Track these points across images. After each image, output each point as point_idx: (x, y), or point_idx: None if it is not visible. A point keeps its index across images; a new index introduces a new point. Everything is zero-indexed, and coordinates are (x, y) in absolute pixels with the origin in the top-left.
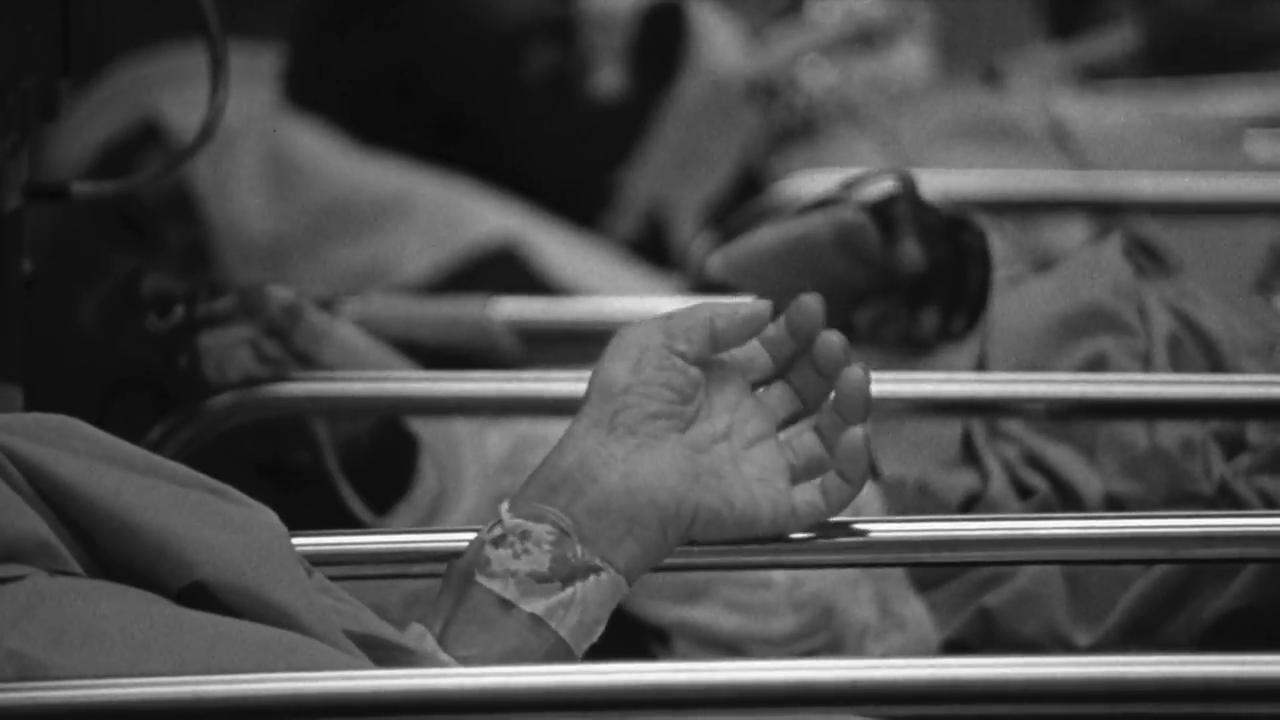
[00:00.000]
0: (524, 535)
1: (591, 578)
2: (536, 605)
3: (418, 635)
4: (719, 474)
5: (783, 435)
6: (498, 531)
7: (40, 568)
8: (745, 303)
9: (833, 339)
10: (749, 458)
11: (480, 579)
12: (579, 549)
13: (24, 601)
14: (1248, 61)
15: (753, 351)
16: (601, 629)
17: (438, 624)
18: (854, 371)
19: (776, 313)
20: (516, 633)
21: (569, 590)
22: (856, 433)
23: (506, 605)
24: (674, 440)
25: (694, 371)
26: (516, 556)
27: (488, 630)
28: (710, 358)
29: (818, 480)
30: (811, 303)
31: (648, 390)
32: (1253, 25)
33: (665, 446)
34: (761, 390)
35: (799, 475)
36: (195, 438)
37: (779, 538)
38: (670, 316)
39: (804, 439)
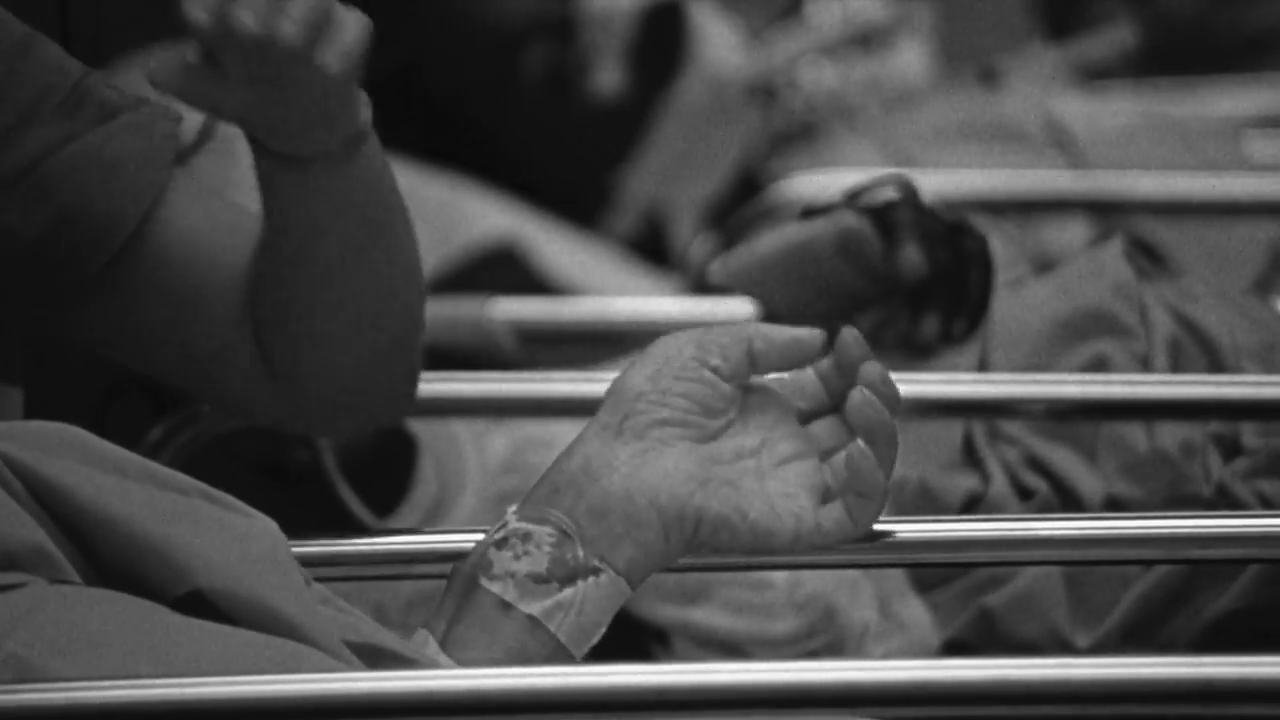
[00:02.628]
0: (525, 537)
1: (590, 579)
2: (534, 606)
3: (421, 640)
4: (735, 484)
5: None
6: (501, 534)
7: (39, 575)
8: (791, 329)
9: (871, 368)
10: (777, 474)
11: (483, 581)
12: (579, 550)
13: (23, 608)
14: (1245, 61)
15: (804, 381)
16: (601, 632)
17: (440, 627)
18: (858, 394)
19: (778, 318)
20: (515, 635)
21: (567, 591)
22: (857, 445)
23: (506, 607)
24: (684, 447)
25: (726, 388)
26: (517, 558)
27: (487, 633)
28: (748, 377)
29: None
30: (849, 336)
31: (662, 398)
32: (1249, 24)
33: (672, 451)
34: (814, 423)
35: (833, 496)
36: (194, 439)
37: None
38: (709, 332)
39: (838, 461)
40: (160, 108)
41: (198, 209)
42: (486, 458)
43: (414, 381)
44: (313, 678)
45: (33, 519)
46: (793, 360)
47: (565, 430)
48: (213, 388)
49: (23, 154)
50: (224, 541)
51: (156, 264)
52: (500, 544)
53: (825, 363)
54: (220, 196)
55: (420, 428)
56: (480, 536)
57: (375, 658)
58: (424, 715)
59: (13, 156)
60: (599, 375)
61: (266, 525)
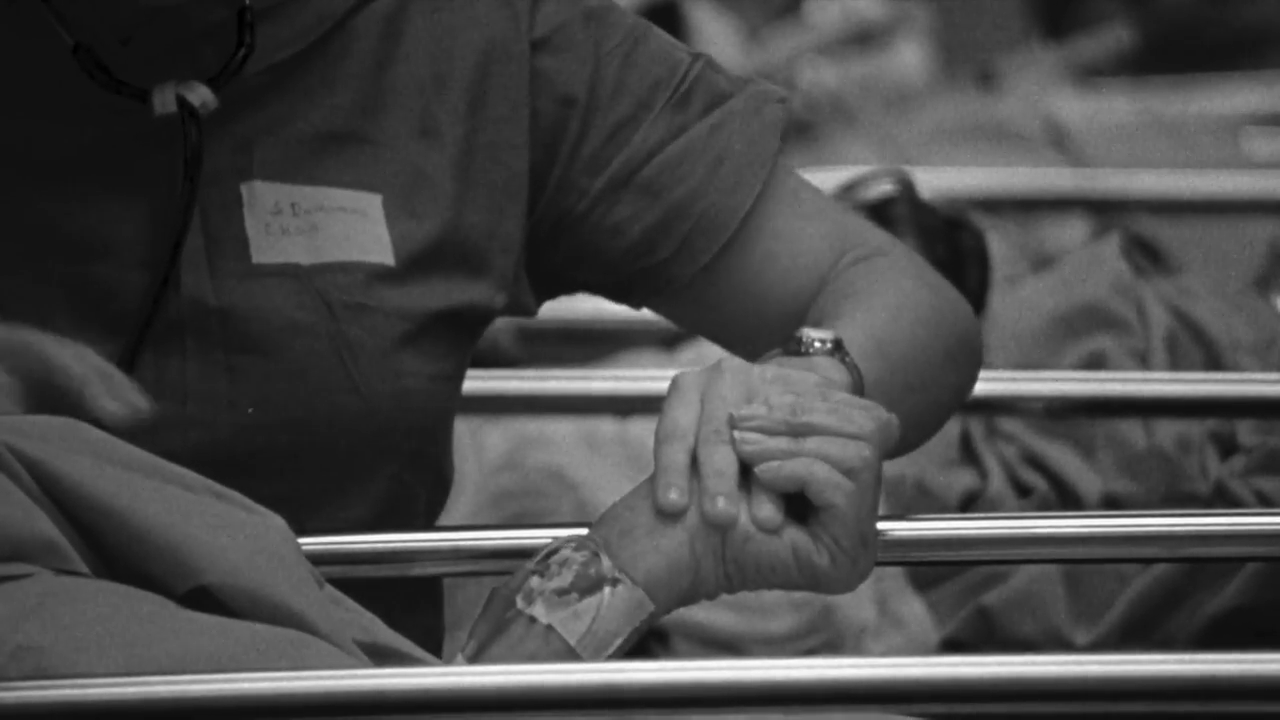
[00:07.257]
0: (564, 563)
1: (609, 589)
2: (553, 617)
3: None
4: None
5: None
6: (544, 562)
7: (47, 567)
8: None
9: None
10: None
11: (519, 603)
12: (604, 565)
13: (30, 599)
14: (1242, 59)
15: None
16: (619, 643)
17: (472, 647)
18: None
19: None
20: (531, 645)
21: (586, 602)
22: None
23: (530, 622)
24: None
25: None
26: (549, 580)
27: (509, 648)
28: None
29: None
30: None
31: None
32: (1246, 22)
33: None
34: None
35: None
36: None
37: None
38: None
39: None
40: (766, 89)
41: (788, 203)
42: (484, 455)
43: (973, 377)
44: (329, 674)
45: (42, 511)
46: None
47: (563, 428)
48: None
49: (635, 151)
50: (232, 538)
51: (746, 258)
52: (542, 572)
53: None
54: (805, 185)
55: None
56: (479, 534)
57: (385, 658)
58: (425, 712)
59: (626, 153)
60: (597, 373)
61: (274, 522)
